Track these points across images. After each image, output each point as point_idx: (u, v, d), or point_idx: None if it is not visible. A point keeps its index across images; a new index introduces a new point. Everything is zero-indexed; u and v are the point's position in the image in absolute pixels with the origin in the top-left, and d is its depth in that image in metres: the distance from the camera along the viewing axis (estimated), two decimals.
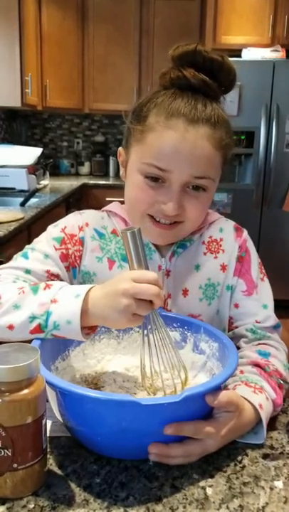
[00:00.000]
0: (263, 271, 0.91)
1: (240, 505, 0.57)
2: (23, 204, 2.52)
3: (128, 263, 0.68)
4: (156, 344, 0.71)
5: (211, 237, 0.90)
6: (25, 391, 0.53)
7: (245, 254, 0.90)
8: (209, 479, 0.61)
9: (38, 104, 3.60)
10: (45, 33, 3.57)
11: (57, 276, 0.82)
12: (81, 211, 0.93)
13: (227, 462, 0.63)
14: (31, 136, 4.32)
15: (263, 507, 0.57)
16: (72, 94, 3.86)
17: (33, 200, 2.64)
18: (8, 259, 2.11)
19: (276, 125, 3.23)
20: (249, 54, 3.31)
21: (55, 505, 0.55)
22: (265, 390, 0.71)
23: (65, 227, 0.88)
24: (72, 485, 0.58)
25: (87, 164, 4.30)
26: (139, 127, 0.78)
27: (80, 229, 0.88)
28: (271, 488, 0.60)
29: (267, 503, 0.58)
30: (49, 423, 0.66)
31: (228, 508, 0.57)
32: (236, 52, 3.31)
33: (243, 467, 0.64)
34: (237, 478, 0.62)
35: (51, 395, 0.61)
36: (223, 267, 0.88)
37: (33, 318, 0.68)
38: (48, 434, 0.65)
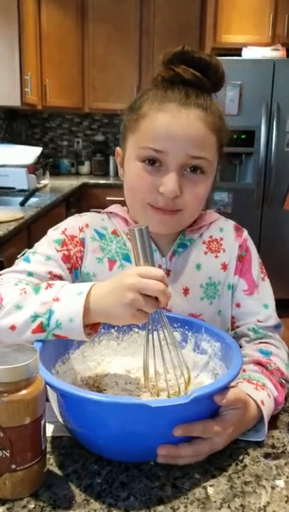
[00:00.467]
0: (264, 271, 0.91)
1: (241, 505, 0.57)
2: (22, 204, 2.52)
3: (134, 260, 0.68)
4: (160, 344, 0.70)
5: (211, 236, 0.90)
6: (24, 391, 0.53)
7: (246, 253, 0.90)
8: (211, 479, 0.60)
9: (38, 103, 3.60)
10: (45, 33, 3.56)
11: (59, 278, 0.82)
12: (82, 214, 0.93)
13: (228, 462, 0.63)
14: (31, 136, 4.31)
15: (265, 506, 0.57)
16: (72, 94, 3.86)
17: (32, 200, 2.64)
18: (8, 258, 2.11)
19: (276, 124, 3.22)
20: (249, 53, 3.30)
21: (56, 505, 0.55)
22: (267, 388, 0.71)
23: (66, 229, 0.87)
24: (73, 485, 0.58)
25: (87, 164, 4.30)
26: (133, 116, 0.80)
27: (81, 230, 0.88)
28: (272, 488, 0.60)
29: (268, 503, 0.57)
30: (50, 425, 0.65)
31: (229, 507, 0.56)
32: (237, 51, 3.31)
33: (245, 466, 0.63)
34: (238, 477, 0.61)
35: (52, 396, 0.61)
36: (224, 266, 0.88)
37: (35, 317, 0.68)
38: (48, 434, 0.64)
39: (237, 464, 0.63)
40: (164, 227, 0.82)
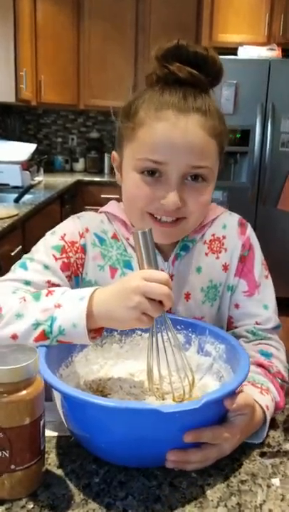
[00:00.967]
0: (267, 268, 0.90)
1: (238, 503, 0.57)
2: (17, 200, 2.51)
3: (138, 263, 0.67)
4: (164, 346, 0.70)
5: (213, 235, 0.87)
6: (24, 392, 0.53)
7: (249, 252, 0.88)
8: (207, 478, 0.61)
9: (33, 99, 3.58)
10: (40, 29, 3.55)
11: (58, 286, 0.78)
12: (79, 215, 0.89)
13: (225, 461, 0.64)
14: (25, 132, 4.29)
15: (261, 504, 0.57)
16: (67, 90, 3.85)
17: (27, 197, 2.63)
18: (3, 255, 2.10)
19: (271, 124, 3.23)
20: (245, 52, 3.31)
21: (55, 505, 0.55)
22: (271, 392, 0.72)
23: (65, 234, 0.84)
24: (71, 485, 0.58)
25: (81, 161, 4.29)
26: (130, 125, 0.77)
27: (81, 236, 0.85)
28: (268, 486, 0.61)
29: (264, 501, 0.58)
30: (48, 425, 0.66)
31: (226, 506, 0.57)
32: (232, 51, 3.31)
33: (241, 465, 0.64)
34: (235, 476, 0.62)
35: (57, 400, 0.60)
36: (225, 267, 0.87)
37: (37, 324, 0.67)
38: (46, 434, 0.64)
39: (233, 463, 0.64)
40: (167, 239, 0.81)
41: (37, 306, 0.68)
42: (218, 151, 0.78)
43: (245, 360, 0.66)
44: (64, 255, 0.82)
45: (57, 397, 0.60)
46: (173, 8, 3.67)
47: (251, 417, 0.65)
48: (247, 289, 0.87)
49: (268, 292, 0.88)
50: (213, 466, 0.63)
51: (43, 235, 0.88)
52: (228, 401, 0.60)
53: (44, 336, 0.67)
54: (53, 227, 0.89)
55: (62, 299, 0.68)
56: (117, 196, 0.86)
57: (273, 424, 0.73)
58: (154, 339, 0.70)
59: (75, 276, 0.84)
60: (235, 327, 0.88)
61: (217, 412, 0.62)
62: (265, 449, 0.68)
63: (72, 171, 4.29)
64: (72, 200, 3.54)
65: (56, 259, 0.81)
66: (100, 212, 0.91)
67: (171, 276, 0.84)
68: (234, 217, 0.91)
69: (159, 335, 0.71)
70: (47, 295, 0.70)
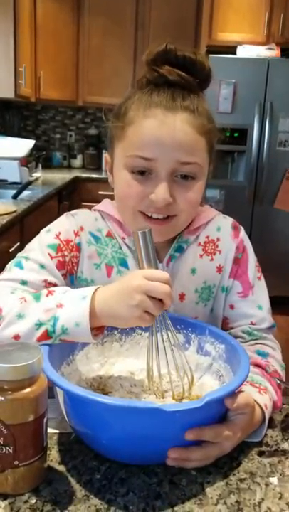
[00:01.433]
0: (260, 270, 0.91)
1: (237, 501, 0.58)
2: (15, 197, 2.51)
3: (138, 262, 0.68)
4: (163, 345, 0.71)
5: (208, 237, 0.88)
6: (28, 390, 0.53)
7: (243, 254, 0.90)
8: (207, 476, 0.62)
9: (32, 95, 3.58)
10: (40, 25, 3.53)
11: (54, 285, 0.79)
12: (73, 212, 0.90)
13: (224, 459, 0.65)
14: (24, 128, 4.28)
15: (259, 502, 0.58)
16: (66, 87, 3.84)
17: (25, 193, 2.63)
18: (1, 252, 2.09)
19: (269, 123, 3.24)
20: (244, 51, 3.32)
21: (57, 500, 0.56)
22: (269, 391, 0.73)
23: (60, 232, 0.84)
24: (73, 481, 0.59)
25: (79, 157, 4.29)
26: (120, 124, 0.78)
27: (76, 234, 0.85)
28: (267, 485, 0.62)
29: (263, 499, 0.59)
30: (50, 421, 0.66)
31: (225, 503, 0.58)
32: (232, 49, 3.32)
33: (240, 464, 0.65)
34: (234, 474, 0.63)
35: (60, 397, 0.61)
36: (219, 269, 0.88)
37: (39, 324, 0.67)
38: (49, 431, 0.65)
39: (232, 462, 0.65)
40: (159, 236, 0.81)
41: (38, 306, 0.69)
42: (208, 149, 0.79)
43: (245, 360, 0.67)
44: (59, 254, 0.83)
45: (59, 394, 0.61)
46: (173, 6, 3.67)
47: (251, 416, 0.66)
48: (241, 290, 0.88)
49: (261, 293, 0.90)
50: (213, 465, 0.64)
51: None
52: (229, 400, 0.61)
53: (47, 335, 0.67)
54: (50, 223, 0.89)
55: (64, 299, 0.69)
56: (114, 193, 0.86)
57: (271, 424, 0.74)
58: (153, 338, 0.71)
59: (70, 275, 0.85)
60: (231, 328, 0.89)
61: (218, 411, 0.62)
62: (264, 448, 0.69)
63: (70, 167, 4.28)
64: (70, 197, 3.53)
65: (52, 257, 0.82)
66: (94, 211, 0.91)
67: None
68: (228, 220, 0.92)
69: (158, 334, 0.71)
70: (47, 295, 0.70)
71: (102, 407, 0.55)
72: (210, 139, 0.78)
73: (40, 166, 3.55)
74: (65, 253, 0.83)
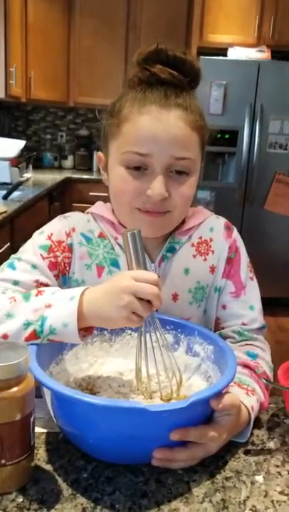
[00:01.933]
0: (252, 270, 0.92)
1: (222, 499, 0.59)
2: (5, 197, 2.50)
3: (127, 264, 0.68)
4: (152, 346, 0.71)
5: (200, 237, 0.89)
6: (15, 389, 0.54)
7: (235, 254, 0.90)
8: (193, 474, 0.63)
9: (22, 95, 3.56)
10: (31, 25, 3.52)
11: (46, 286, 0.80)
12: (66, 214, 0.91)
13: (210, 458, 0.65)
14: (14, 128, 4.27)
15: (244, 500, 0.59)
16: (57, 87, 3.83)
17: (15, 194, 2.62)
18: None
19: (259, 125, 3.26)
20: (235, 53, 3.34)
21: (44, 499, 0.56)
22: (257, 393, 0.74)
23: (52, 234, 0.85)
24: (60, 480, 0.60)
25: (70, 158, 4.28)
26: (114, 121, 0.79)
27: (68, 235, 0.86)
28: (252, 483, 0.62)
29: (248, 497, 0.60)
30: (38, 421, 0.67)
31: (210, 501, 0.58)
32: (222, 51, 3.34)
33: (226, 463, 0.66)
34: (219, 473, 0.64)
35: (47, 397, 0.61)
36: (212, 269, 0.89)
37: (27, 324, 0.68)
38: (36, 430, 0.65)
39: (218, 460, 0.66)
40: (154, 230, 0.82)
41: (27, 306, 0.69)
42: (200, 145, 0.80)
43: (232, 362, 0.67)
44: (51, 254, 0.83)
45: (47, 394, 0.61)
46: (164, 8, 3.68)
47: (237, 417, 0.67)
48: (234, 290, 0.89)
49: (253, 293, 0.90)
50: (199, 464, 0.64)
51: (32, 232, 0.89)
52: (214, 401, 0.62)
53: (35, 335, 0.67)
54: (41, 224, 0.90)
55: (52, 299, 0.69)
56: (106, 194, 0.87)
57: (258, 424, 0.75)
58: (142, 339, 0.71)
59: (63, 276, 0.85)
60: (223, 328, 0.90)
61: (203, 412, 0.63)
62: (250, 447, 0.70)
63: (60, 168, 4.28)
64: (60, 198, 3.53)
65: (44, 258, 0.82)
66: (87, 213, 0.92)
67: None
68: (221, 221, 0.93)
69: (147, 335, 0.72)
70: (37, 295, 0.71)
71: (88, 406, 0.56)
72: (202, 135, 0.80)
73: (30, 166, 3.55)
74: (57, 254, 0.84)
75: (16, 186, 2.62)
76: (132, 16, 3.73)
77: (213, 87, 3.18)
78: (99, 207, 0.91)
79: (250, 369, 0.78)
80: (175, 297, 0.87)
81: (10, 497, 0.56)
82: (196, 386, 0.75)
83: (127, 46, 3.78)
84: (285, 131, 3.31)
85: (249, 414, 0.69)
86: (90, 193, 3.48)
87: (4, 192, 2.55)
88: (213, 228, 0.91)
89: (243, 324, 0.88)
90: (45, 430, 0.68)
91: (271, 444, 0.71)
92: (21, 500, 0.56)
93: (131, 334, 0.82)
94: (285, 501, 0.60)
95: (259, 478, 0.63)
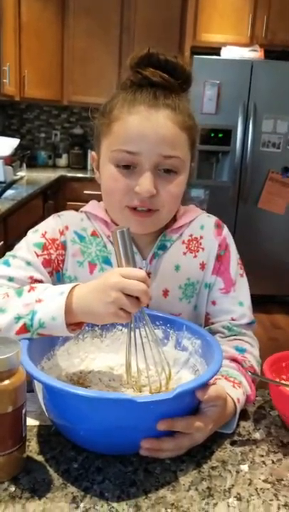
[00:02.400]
0: (242, 267, 0.94)
1: (208, 487, 0.61)
2: None
3: (117, 261, 0.70)
4: (142, 341, 0.73)
5: (191, 235, 0.91)
6: (7, 382, 0.56)
7: (225, 252, 0.92)
8: (180, 464, 0.65)
9: (16, 94, 3.57)
10: (25, 24, 3.53)
11: (40, 282, 0.82)
12: (60, 213, 0.93)
13: (197, 448, 0.67)
14: (8, 127, 4.27)
15: (230, 488, 0.61)
16: (51, 86, 3.84)
17: (9, 192, 2.63)
18: None
19: (253, 124, 3.29)
20: (228, 53, 3.36)
21: (35, 488, 0.58)
22: (243, 386, 0.76)
23: (46, 232, 0.88)
24: (51, 470, 0.62)
25: (64, 156, 4.29)
26: (105, 121, 0.82)
27: (61, 233, 0.89)
28: (237, 472, 0.65)
29: (233, 485, 0.62)
30: (30, 414, 0.69)
31: (197, 489, 0.61)
32: (216, 51, 3.36)
33: (212, 453, 0.68)
34: (206, 462, 0.66)
35: (38, 390, 0.63)
36: (202, 266, 0.91)
37: (18, 318, 0.70)
38: (28, 423, 0.67)
39: (205, 450, 0.68)
40: (142, 228, 0.84)
41: (19, 301, 0.71)
42: (189, 144, 0.82)
43: (218, 355, 0.69)
44: (45, 252, 0.86)
45: (38, 388, 0.63)
46: (158, 8, 3.69)
47: (223, 408, 0.69)
48: (223, 287, 0.91)
49: (243, 290, 0.93)
50: (186, 453, 0.66)
51: (26, 230, 0.91)
52: (200, 392, 0.64)
53: (25, 328, 0.70)
54: (35, 222, 0.92)
55: (43, 295, 0.71)
56: (100, 193, 0.89)
57: (244, 416, 0.77)
58: (132, 334, 0.73)
59: (56, 272, 0.87)
60: (212, 323, 0.92)
61: (190, 403, 0.65)
62: (236, 438, 0.72)
63: (55, 166, 4.29)
64: (55, 196, 3.54)
65: (38, 255, 0.85)
66: (81, 212, 0.94)
67: (149, 274, 0.88)
68: (211, 219, 0.95)
69: (137, 331, 0.74)
70: (29, 291, 0.73)
71: (78, 398, 0.58)
72: (191, 135, 0.82)
73: (24, 165, 3.56)
74: (51, 251, 0.86)
75: (9, 185, 2.64)
76: (126, 17, 3.74)
77: (207, 87, 3.20)
78: (92, 206, 0.93)
79: (237, 363, 0.81)
80: (166, 293, 0.89)
81: (2, 486, 0.58)
82: (184, 380, 0.77)
83: (120, 46, 3.79)
84: (278, 130, 3.34)
85: (235, 406, 0.72)
86: (85, 192, 3.50)
87: None
88: (204, 226, 0.93)
89: (232, 319, 0.90)
90: (37, 423, 0.70)
91: (257, 435, 0.73)
92: (13, 489, 0.58)
93: (122, 330, 0.84)
94: (268, 489, 0.62)
95: (244, 467, 0.66)
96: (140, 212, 0.81)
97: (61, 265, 0.88)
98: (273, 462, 0.67)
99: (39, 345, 0.72)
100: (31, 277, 0.82)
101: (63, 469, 0.62)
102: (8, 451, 0.57)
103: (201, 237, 0.92)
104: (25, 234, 0.90)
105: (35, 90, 3.71)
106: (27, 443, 0.64)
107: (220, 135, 3.31)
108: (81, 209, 0.94)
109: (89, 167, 4.21)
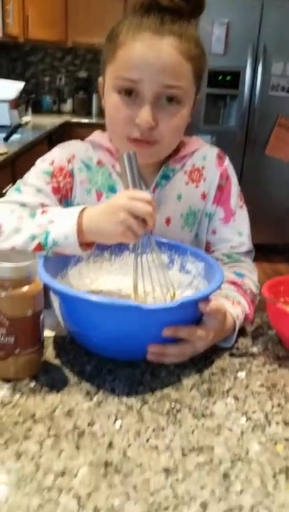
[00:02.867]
0: (242, 199, 0.97)
1: (208, 389, 0.68)
2: (6, 139, 2.51)
3: (124, 185, 0.73)
4: (148, 266, 0.77)
5: (193, 165, 0.94)
6: (26, 288, 0.61)
7: (226, 182, 0.95)
8: (183, 369, 0.71)
9: (20, 35, 3.48)
10: None
11: None
12: (65, 143, 0.95)
13: (198, 356, 0.73)
14: (12, 70, 4.18)
15: (228, 390, 0.68)
16: (55, 27, 3.73)
17: (15, 136, 2.63)
18: None
19: (262, 66, 3.21)
20: None
21: (53, 385, 0.65)
22: (242, 305, 0.81)
23: (53, 160, 0.90)
24: (67, 371, 0.68)
25: (69, 101, 4.22)
26: (111, 46, 0.81)
27: (69, 161, 0.91)
28: (235, 378, 0.71)
29: (231, 388, 0.68)
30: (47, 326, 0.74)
31: (198, 390, 0.67)
32: None
33: (212, 362, 0.74)
34: (207, 369, 0.72)
35: (54, 301, 0.69)
36: (204, 196, 0.94)
37: (33, 238, 0.74)
38: (46, 334, 0.73)
39: (206, 360, 0.74)
40: (142, 158, 0.83)
41: (33, 222, 0.76)
42: (194, 75, 0.81)
43: (220, 274, 0.74)
44: (54, 180, 0.89)
45: (54, 299, 0.69)
46: None
47: (223, 322, 0.74)
48: (223, 216, 0.95)
49: (242, 221, 0.96)
50: (188, 361, 0.72)
51: None
52: (202, 304, 0.69)
53: (40, 247, 0.74)
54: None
55: (55, 216, 0.75)
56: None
57: (243, 333, 0.83)
58: (139, 259, 0.77)
59: (65, 200, 0.91)
60: (213, 251, 0.97)
61: (193, 314, 0.71)
62: (235, 351, 0.78)
63: (60, 112, 4.23)
64: (59, 141, 3.49)
65: (47, 183, 0.88)
66: (86, 142, 0.96)
67: None
68: (214, 150, 0.97)
69: (144, 256, 0.78)
70: (42, 213, 0.77)
71: (90, 305, 0.63)
72: (197, 66, 0.80)
73: (30, 109, 3.51)
74: (59, 179, 0.90)
75: (16, 128, 2.63)
76: None
77: (215, 26, 3.10)
78: (97, 135, 0.95)
79: (237, 285, 0.86)
80: (168, 221, 0.93)
81: (24, 382, 0.65)
82: None
83: None
84: (288, 73, 3.25)
85: (234, 322, 0.77)
86: None
87: (4, 135, 2.55)
88: (206, 157, 0.95)
89: (232, 247, 0.94)
90: (53, 334, 0.76)
91: (254, 349, 0.79)
92: (34, 384, 0.65)
93: (129, 255, 0.89)
94: (263, 392, 0.68)
95: (241, 374, 0.72)
96: (140, 142, 0.82)
97: (69, 193, 0.92)
98: (269, 372, 0.74)
99: (53, 264, 0.76)
100: (42, 204, 0.85)
101: (78, 370, 0.68)
102: (29, 351, 0.63)
103: (203, 168, 0.94)
104: None
105: (38, 31, 3.61)
106: (44, 350, 0.70)
107: (228, 78, 3.24)
108: (86, 138, 0.96)
109: (94, 112, 4.15)
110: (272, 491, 0.51)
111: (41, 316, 0.64)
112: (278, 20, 3.14)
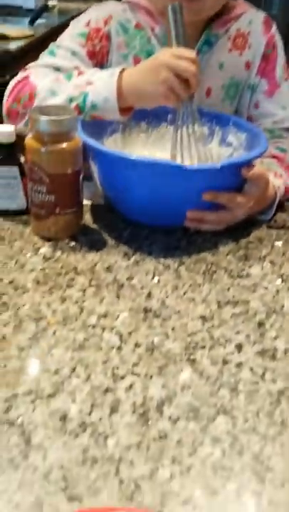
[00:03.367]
0: (287, 71, 0.91)
1: (244, 254, 0.68)
2: (32, 22, 2.36)
3: (168, 41, 0.68)
4: (188, 139, 0.73)
5: (238, 30, 0.86)
6: (65, 144, 0.60)
7: (272, 51, 0.88)
8: (220, 237, 0.71)
9: None
10: None
11: None
12: (102, 3, 0.88)
13: (235, 226, 0.72)
14: None
15: (264, 256, 0.68)
16: None
17: (40, 21, 2.47)
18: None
19: None
20: None
21: (92, 245, 0.67)
22: (284, 178, 0.79)
23: (89, 21, 0.84)
24: (105, 235, 0.70)
25: None
26: None
27: (106, 23, 0.85)
28: (272, 246, 0.71)
29: (268, 254, 0.69)
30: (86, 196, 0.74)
31: (234, 255, 0.68)
32: None
33: (250, 232, 0.74)
34: (243, 238, 0.72)
35: (93, 165, 0.67)
36: (248, 65, 0.88)
37: (70, 99, 0.71)
38: (85, 203, 0.73)
39: (243, 230, 0.74)
40: (186, 14, 0.75)
41: (69, 84, 0.72)
42: None
43: (263, 142, 0.71)
44: (89, 43, 0.84)
45: (93, 166, 0.67)
46: None
47: (264, 190, 0.72)
48: (267, 89, 0.89)
49: (287, 94, 0.90)
50: (225, 230, 0.72)
51: None
52: (245, 169, 0.67)
53: (78, 109, 0.71)
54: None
55: (93, 77, 0.72)
56: None
57: (282, 208, 0.81)
58: (179, 132, 0.74)
59: (101, 65, 0.86)
60: None
61: (234, 180, 0.68)
62: (272, 224, 0.77)
63: None
64: None
65: (82, 46, 0.83)
66: (123, 2, 0.88)
67: None
68: (260, 15, 0.89)
69: (184, 128, 0.74)
70: (78, 75, 0.74)
71: (129, 163, 0.62)
72: None
73: None
74: (95, 42, 0.84)
75: (41, 10, 2.46)
76: None
77: None
78: None
79: (279, 160, 0.83)
80: (208, 92, 0.87)
81: (64, 242, 0.67)
82: None
83: None
84: None
85: (275, 192, 0.75)
86: None
87: (28, 19, 2.40)
88: (252, 21, 0.88)
89: (274, 122, 0.89)
90: (90, 202, 0.77)
91: None
92: (73, 244, 0.66)
93: (167, 127, 0.85)
94: None
95: (279, 243, 0.72)
96: None
97: (105, 58, 0.86)
98: None
99: (90, 131, 0.74)
100: (77, 67, 0.80)
101: (115, 235, 0.70)
102: (68, 210, 0.64)
103: (249, 33, 0.87)
104: None
105: None
106: (83, 215, 0.71)
107: None
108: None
109: None
110: None
111: (81, 175, 0.64)
112: None
